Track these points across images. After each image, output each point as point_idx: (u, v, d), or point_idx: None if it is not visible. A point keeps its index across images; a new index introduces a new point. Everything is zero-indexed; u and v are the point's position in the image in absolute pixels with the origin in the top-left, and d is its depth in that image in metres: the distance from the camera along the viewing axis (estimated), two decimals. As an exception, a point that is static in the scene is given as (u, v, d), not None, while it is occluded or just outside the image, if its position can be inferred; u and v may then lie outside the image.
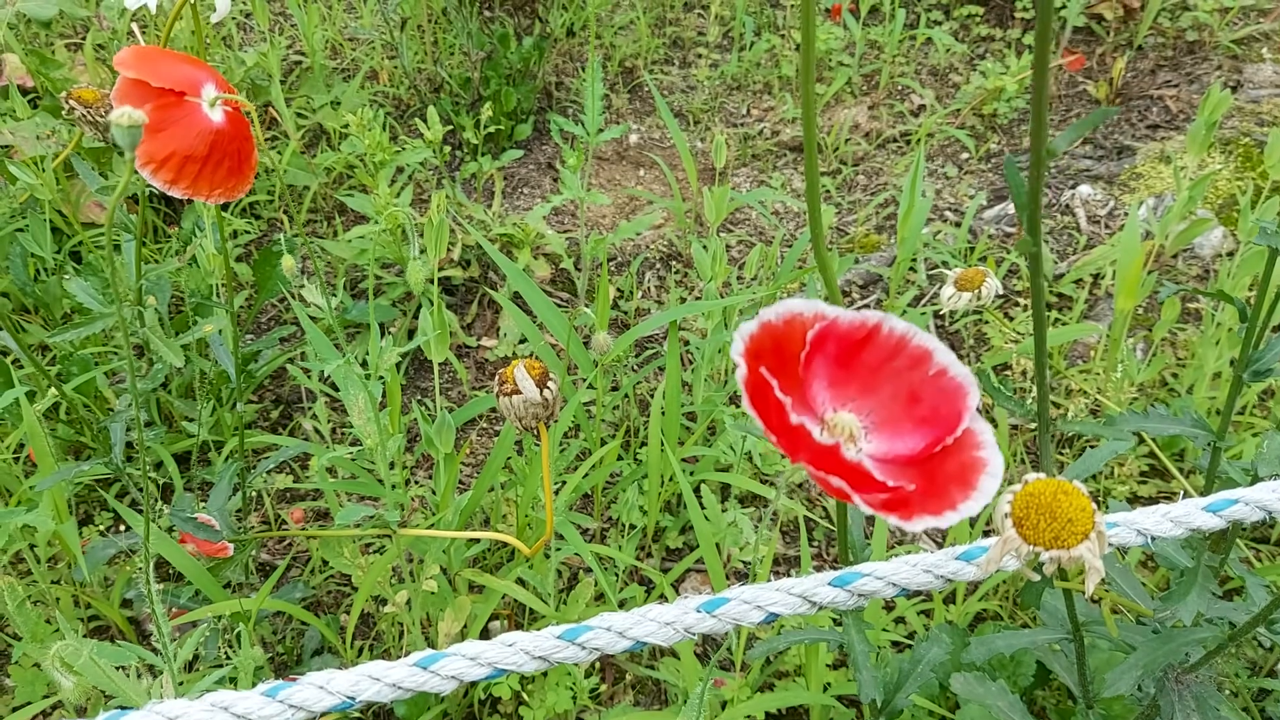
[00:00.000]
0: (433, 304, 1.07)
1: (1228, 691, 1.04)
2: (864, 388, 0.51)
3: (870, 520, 1.19)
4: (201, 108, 0.75)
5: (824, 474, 0.44)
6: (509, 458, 1.21)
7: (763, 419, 0.44)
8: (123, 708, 0.81)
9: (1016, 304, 1.63)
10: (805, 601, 0.56)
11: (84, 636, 1.16)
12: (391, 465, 1.13)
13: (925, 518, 0.44)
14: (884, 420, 0.50)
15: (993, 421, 1.45)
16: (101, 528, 1.29)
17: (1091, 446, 1.35)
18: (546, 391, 0.75)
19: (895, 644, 1.19)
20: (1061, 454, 1.39)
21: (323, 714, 0.49)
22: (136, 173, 0.72)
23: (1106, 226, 1.76)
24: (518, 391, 0.74)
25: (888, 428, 0.50)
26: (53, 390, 1.14)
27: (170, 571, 1.23)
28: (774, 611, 0.56)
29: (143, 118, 0.48)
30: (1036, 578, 0.53)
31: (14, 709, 1.07)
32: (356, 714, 1.13)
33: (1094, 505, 0.48)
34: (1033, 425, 1.42)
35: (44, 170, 1.40)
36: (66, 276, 1.20)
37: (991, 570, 0.50)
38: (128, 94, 0.72)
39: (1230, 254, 1.63)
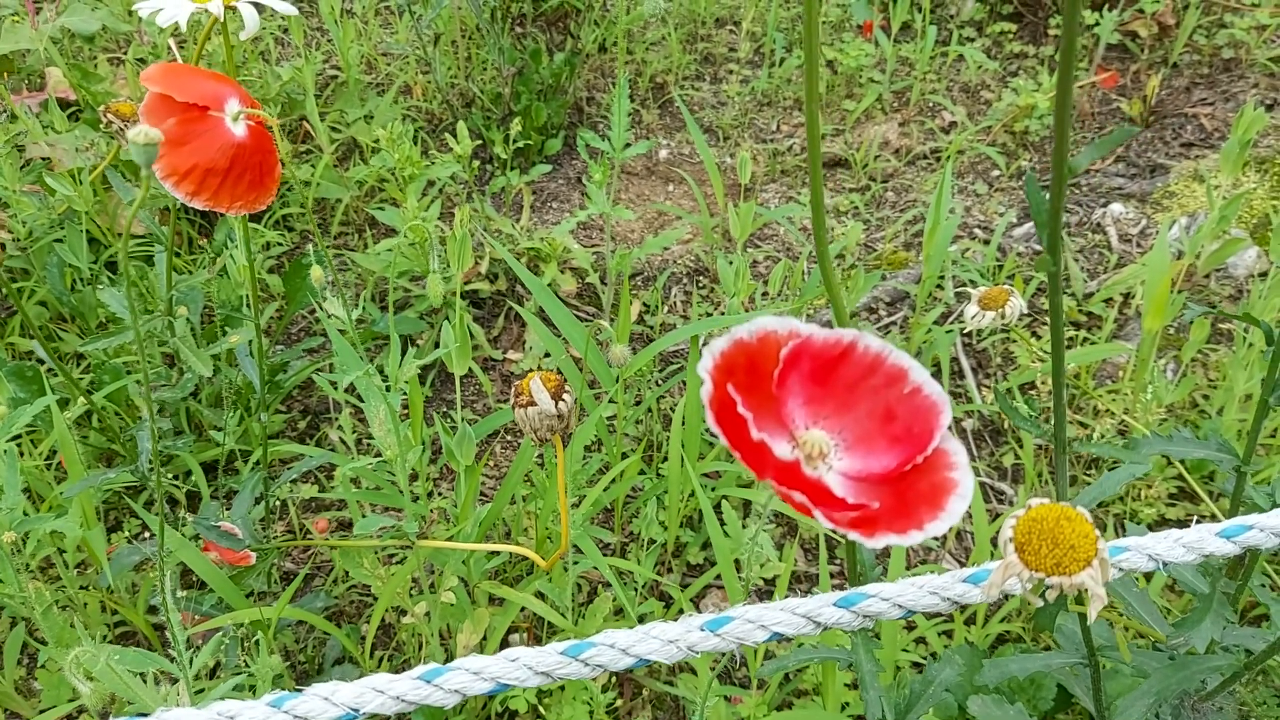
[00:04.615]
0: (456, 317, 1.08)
1: (1254, 720, 1.02)
2: (840, 405, 0.50)
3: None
4: (224, 122, 0.77)
5: (787, 489, 0.43)
6: (529, 471, 1.21)
7: (728, 436, 0.44)
8: (141, 714, 0.82)
9: (1045, 323, 1.61)
10: (810, 622, 0.56)
11: (110, 642, 1.18)
12: (414, 477, 1.14)
13: (889, 535, 0.43)
14: (859, 438, 0.50)
15: (1018, 442, 1.44)
16: (129, 534, 1.31)
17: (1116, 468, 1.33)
18: (561, 404, 0.75)
19: (916, 665, 1.18)
20: (1088, 476, 1.37)
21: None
22: (161, 186, 0.73)
23: (1138, 245, 1.74)
24: (533, 403, 0.74)
25: (862, 445, 0.50)
26: (83, 398, 1.16)
27: (194, 579, 1.25)
28: (778, 631, 0.55)
29: (159, 135, 0.49)
30: (1040, 603, 0.52)
31: (40, 712, 1.09)
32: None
33: (1097, 532, 0.48)
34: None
35: (81, 182, 1.43)
36: (101, 286, 1.22)
37: (994, 595, 0.50)
38: (154, 108, 0.74)
39: (1264, 274, 1.61)
